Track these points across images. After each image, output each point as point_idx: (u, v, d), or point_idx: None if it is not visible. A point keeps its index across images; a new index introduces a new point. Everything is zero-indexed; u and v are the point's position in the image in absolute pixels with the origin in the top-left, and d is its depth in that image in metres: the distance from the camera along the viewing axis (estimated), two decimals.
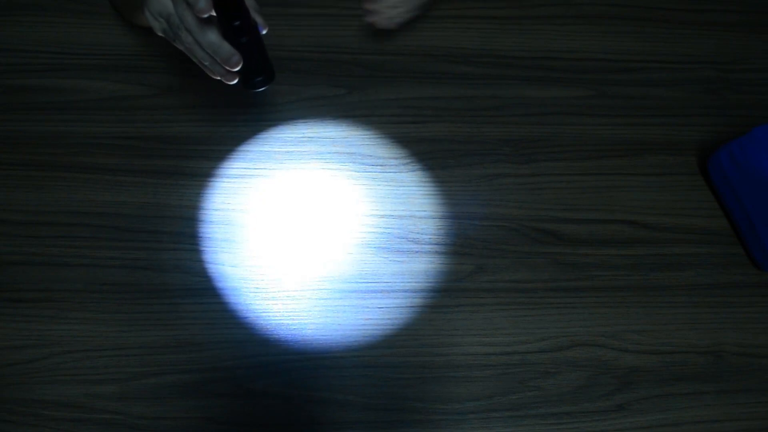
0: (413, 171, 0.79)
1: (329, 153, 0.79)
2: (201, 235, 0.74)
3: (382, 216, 0.77)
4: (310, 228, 0.75)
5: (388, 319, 0.73)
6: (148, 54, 0.80)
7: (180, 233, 0.74)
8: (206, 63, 0.58)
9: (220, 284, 0.73)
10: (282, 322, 0.72)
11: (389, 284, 0.74)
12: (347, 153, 0.79)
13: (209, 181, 0.76)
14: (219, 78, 0.60)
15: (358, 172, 0.78)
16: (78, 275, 0.72)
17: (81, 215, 0.74)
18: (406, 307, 0.74)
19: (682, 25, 0.89)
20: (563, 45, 0.86)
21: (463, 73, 0.83)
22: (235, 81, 0.61)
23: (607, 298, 0.77)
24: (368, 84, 0.82)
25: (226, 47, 0.56)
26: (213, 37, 0.55)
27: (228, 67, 0.57)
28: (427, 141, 0.80)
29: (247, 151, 0.78)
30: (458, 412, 0.71)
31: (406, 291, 0.74)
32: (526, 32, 0.87)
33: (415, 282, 0.75)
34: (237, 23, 0.57)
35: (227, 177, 0.76)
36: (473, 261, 0.76)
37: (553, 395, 0.73)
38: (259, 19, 0.59)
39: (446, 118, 0.81)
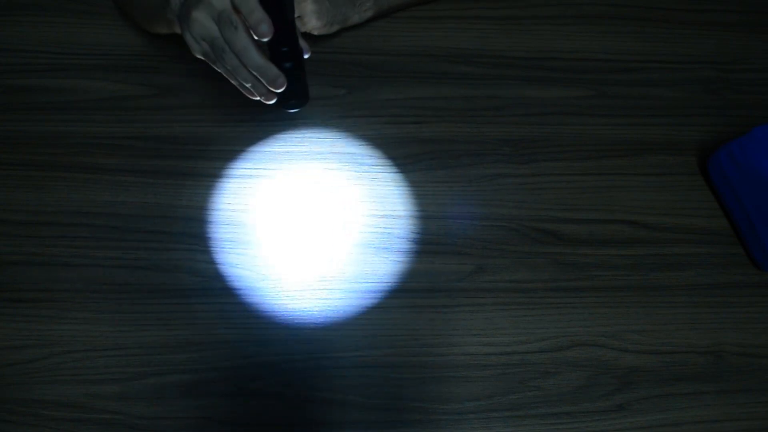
0: (413, 171, 0.79)
1: (329, 153, 0.79)
2: (201, 235, 0.74)
3: (382, 216, 0.77)
4: (310, 228, 0.75)
5: (388, 319, 0.73)
6: (148, 54, 0.80)
7: (180, 233, 0.74)
8: (248, 84, 0.60)
9: (219, 284, 0.73)
10: (282, 322, 0.72)
11: (389, 284, 0.74)
12: (347, 153, 0.79)
13: (209, 181, 0.76)
14: (258, 98, 0.62)
15: (358, 172, 0.78)
16: (78, 275, 0.72)
17: (81, 215, 0.74)
18: (406, 307, 0.74)
19: (682, 25, 0.89)
20: (563, 45, 0.86)
21: (463, 73, 0.83)
22: (274, 101, 0.63)
23: (607, 298, 0.77)
24: (368, 84, 0.82)
25: (274, 69, 0.57)
26: (260, 59, 0.57)
27: (272, 88, 0.59)
28: (427, 141, 0.80)
29: (247, 151, 0.78)
30: (458, 412, 0.71)
31: (406, 291, 0.74)
32: (526, 32, 0.87)
33: (415, 282, 0.75)
34: (285, 49, 0.59)
35: (227, 177, 0.76)
36: (473, 261, 0.76)
37: (553, 395, 0.73)
38: (304, 45, 0.62)
39: (446, 118, 0.81)
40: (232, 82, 0.61)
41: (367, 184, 0.78)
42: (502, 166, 0.80)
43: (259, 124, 0.79)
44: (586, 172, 0.81)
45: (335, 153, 0.79)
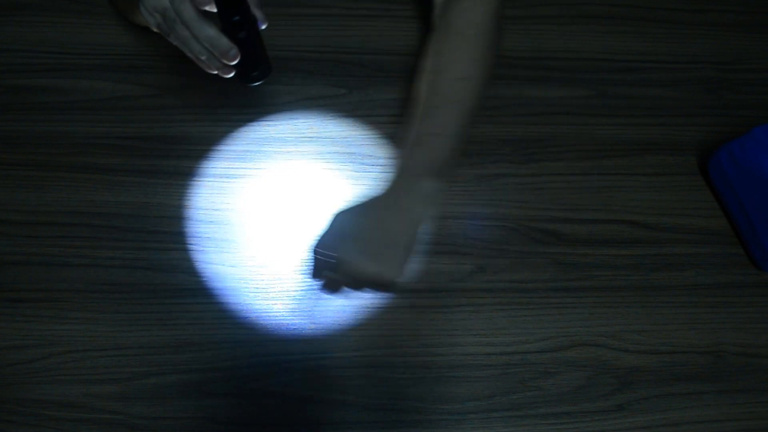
0: None
1: (329, 153, 0.79)
2: (201, 235, 0.74)
3: None
4: (310, 228, 0.75)
5: (388, 319, 0.73)
6: (148, 54, 0.80)
7: (180, 233, 0.74)
8: (202, 57, 0.58)
9: (219, 284, 0.73)
10: (282, 322, 0.72)
11: None
12: (347, 153, 0.79)
13: (209, 181, 0.76)
14: (215, 72, 0.60)
15: (358, 172, 0.78)
16: (78, 275, 0.72)
17: (81, 215, 0.74)
18: (406, 307, 0.74)
19: (682, 25, 0.89)
20: (563, 45, 0.86)
21: None
22: (232, 75, 0.61)
23: (607, 298, 0.77)
24: (368, 84, 0.82)
25: (224, 41, 0.56)
26: (210, 30, 0.55)
27: (225, 60, 0.57)
28: None
29: (248, 151, 0.78)
30: (458, 412, 0.71)
31: (406, 291, 0.74)
32: (526, 32, 0.87)
33: (415, 282, 0.75)
34: (236, 18, 0.57)
35: (227, 177, 0.76)
36: (473, 261, 0.76)
37: (553, 395, 0.73)
38: (259, 14, 0.59)
39: None
40: (189, 55, 0.59)
41: (367, 184, 0.78)
42: (503, 166, 0.80)
43: (259, 124, 0.79)
44: (586, 172, 0.81)
45: (335, 153, 0.79)
